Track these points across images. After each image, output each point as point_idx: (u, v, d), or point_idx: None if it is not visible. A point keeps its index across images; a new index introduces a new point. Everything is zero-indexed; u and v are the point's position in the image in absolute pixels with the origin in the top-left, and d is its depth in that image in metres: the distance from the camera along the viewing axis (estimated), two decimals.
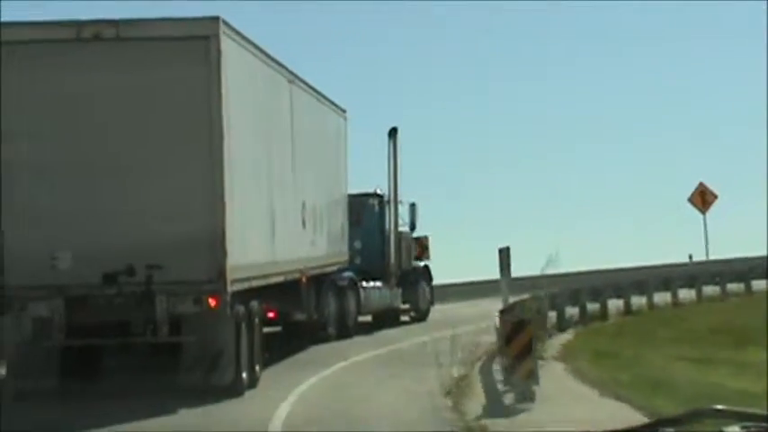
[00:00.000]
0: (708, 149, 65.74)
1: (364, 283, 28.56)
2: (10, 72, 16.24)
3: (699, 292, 33.23)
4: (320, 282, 24.92)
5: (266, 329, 20.31)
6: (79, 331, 16.27)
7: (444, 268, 36.55)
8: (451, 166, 64.21)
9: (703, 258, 37.73)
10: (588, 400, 15.14)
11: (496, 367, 18.20)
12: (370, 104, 61.77)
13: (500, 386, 16.39)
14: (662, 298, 32.03)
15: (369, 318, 29.95)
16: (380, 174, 30.43)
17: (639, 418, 11.70)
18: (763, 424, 3.63)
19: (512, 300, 22.60)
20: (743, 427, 3.66)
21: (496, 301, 27.05)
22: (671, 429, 3.81)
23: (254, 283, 18.06)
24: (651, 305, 31.18)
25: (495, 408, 14.77)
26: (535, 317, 18.97)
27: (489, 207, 60.54)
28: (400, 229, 30.88)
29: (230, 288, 16.41)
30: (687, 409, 3.94)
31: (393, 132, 30.20)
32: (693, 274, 34.93)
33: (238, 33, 17.53)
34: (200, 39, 16.37)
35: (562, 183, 65.38)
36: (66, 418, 15.19)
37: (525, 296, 25.55)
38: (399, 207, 30.76)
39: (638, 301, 31.10)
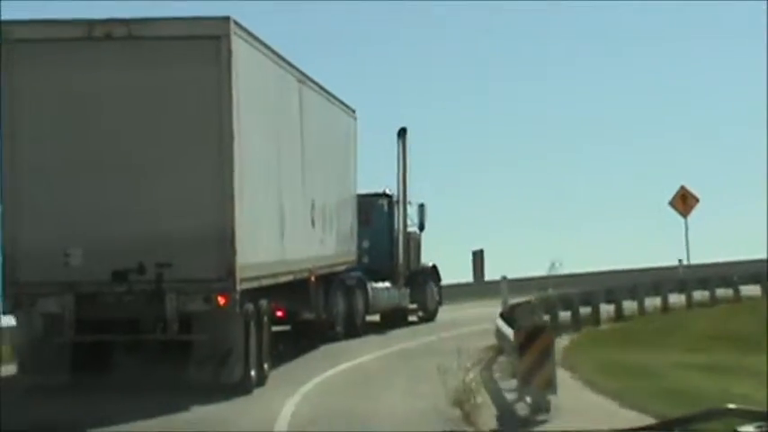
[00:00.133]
0: (704, 151, 65.79)
1: (373, 283, 28.61)
2: (21, 70, 16.33)
3: (689, 298, 32.79)
4: (329, 281, 24.98)
5: (275, 328, 20.36)
6: (89, 328, 16.35)
7: (451, 268, 36.64)
8: (458, 166, 64.27)
9: (685, 263, 37.24)
10: (608, 411, 14.40)
11: (498, 374, 17.93)
12: (380, 105, 61.84)
13: (507, 394, 15.80)
14: (651, 302, 31.58)
15: (377, 318, 30.03)
16: (389, 174, 30.51)
17: None
18: None
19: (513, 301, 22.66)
20: (757, 427, 3.68)
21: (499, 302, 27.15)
22: (685, 429, 3.83)
23: (264, 282, 18.12)
24: (642, 310, 30.75)
25: (509, 420, 14.12)
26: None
27: (487, 208, 60.65)
28: (409, 229, 30.93)
29: (240, 286, 16.47)
30: (700, 409, 3.96)
31: (402, 133, 30.25)
32: (683, 278, 34.48)
33: (249, 33, 17.58)
34: (210, 38, 16.43)
35: (563, 183, 65.44)
36: (76, 414, 15.25)
37: (523, 298, 25.59)
38: (408, 207, 30.81)
39: (629, 305, 30.61)
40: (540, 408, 13.96)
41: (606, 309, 29.64)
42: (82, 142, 16.49)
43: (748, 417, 3.77)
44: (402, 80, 66.67)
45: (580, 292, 29.18)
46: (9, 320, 18.27)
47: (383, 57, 66.61)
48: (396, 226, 30.43)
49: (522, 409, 14.48)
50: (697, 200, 36.54)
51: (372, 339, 26.43)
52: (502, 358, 19.59)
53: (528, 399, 14.32)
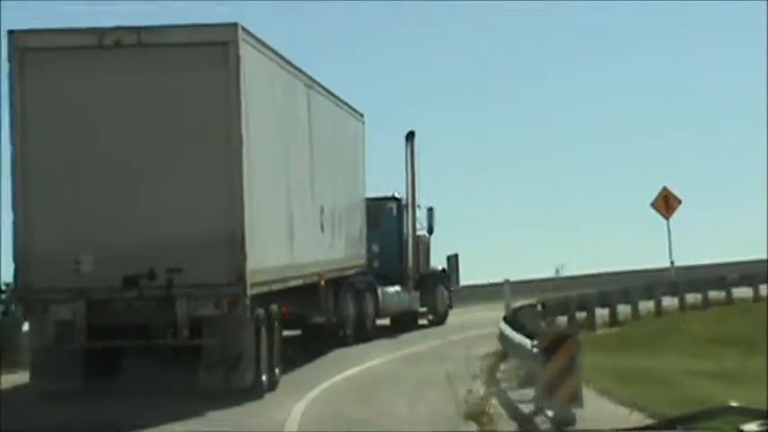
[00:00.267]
0: (703, 151, 65.80)
1: (383, 287, 28.66)
2: (32, 79, 16.45)
3: (682, 301, 32.45)
4: (339, 285, 25.04)
5: (286, 332, 20.43)
6: (101, 334, 16.44)
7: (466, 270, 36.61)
8: (453, 168, 64.29)
9: (667, 264, 36.62)
10: (636, 423, 12.61)
11: (506, 383, 17.41)
12: (388, 108, 61.90)
13: (522, 406, 14.95)
14: (644, 306, 31.17)
15: (387, 321, 30.08)
16: (398, 178, 30.56)
17: None
18: None
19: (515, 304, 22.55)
20: (761, 425, 3.72)
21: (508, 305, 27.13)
22: (688, 427, 3.86)
23: (274, 287, 18.20)
24: (636, 315, 30.40)
25: None
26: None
27: (487, 209, 60.69)
28: (418, 232, 30.96)
29: (250, 291, 16.54)
30: (703, 407, 3.99)
31: (410, 136, 30.29)
32: (674, 281, 34.07)
33: (257, 39, 17.67)
34: (219, 45, 16.53)
35: (563, 184, 65.48)
36: (88, 420, 15.34)
37: (521, 301, 25.53)
38: (417, 211, 30.85)
39: (623, 309, 30.22)
40: (565, 421, 12.83)
41: (600, 313, 29.32)
42: (92, 149, 16.59)
43: (749, 415, 3.81)
44: (410, 83, 66.80)
45: (576, 295, 28.98)
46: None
47: (391, 60, 66.75)
48: (405, 229, 30.47)
49: (542, 423, 13.55)
50: (679, 201, 35.55)
51: (383, 343, 26.48)
52: (504, 366, 19.36)
53: (549, 412, 13.24)
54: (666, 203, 35.38)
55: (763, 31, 61.87)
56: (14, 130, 16.50)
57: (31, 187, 16.44)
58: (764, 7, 51.80)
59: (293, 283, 19.75)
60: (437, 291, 31.78)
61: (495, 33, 66.86)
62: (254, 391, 16.85)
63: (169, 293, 16.29)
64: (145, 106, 16.63)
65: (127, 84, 16.60)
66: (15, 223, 16.43)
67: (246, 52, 16.87)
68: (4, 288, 23.64)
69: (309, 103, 21.62)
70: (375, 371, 21.01)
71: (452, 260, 32.13)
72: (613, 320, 29.29)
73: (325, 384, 18.54)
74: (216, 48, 16.56)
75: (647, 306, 31.26)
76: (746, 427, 3.73)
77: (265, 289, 17.61)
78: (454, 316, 32.57)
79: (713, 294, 33.69)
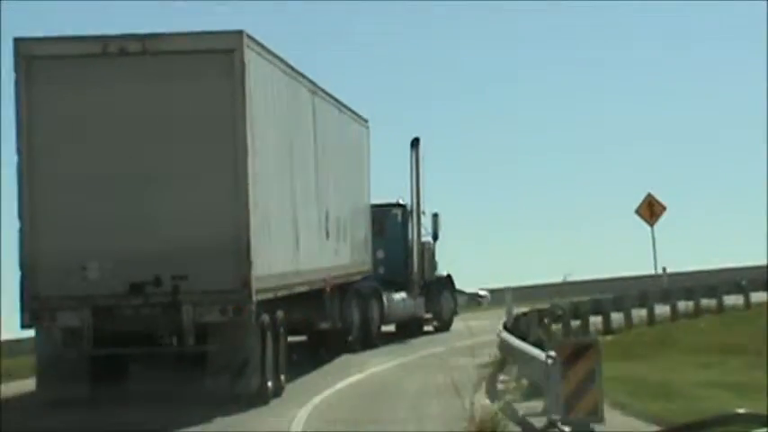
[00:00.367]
0: (700, 157, 65.89)
1: (388, 293, 28.69)
2: (39, 87, 16.53)
3: (674, 309, 31.97)
4: (344, 291, 25.09)
5: (291, 338, 20.48)
6: (107, 340, 16.51)
7: (466, 276, 36.67)
8: (472, 174, 64.41)
9: (653, 272, 36.19)
10: None
11: (510, 396, 16.38)
12: (393, 114, 61.99)
13: (533, 419, 14.24)
14: (636, 313, 30.69)
15: (392, 327, 30.10)
16: (403, 184, 30.59)
17: None
18: None
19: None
20: None
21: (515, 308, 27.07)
22: None
23: (279, 293, 18.25)
24: (630, 323, 29.93)
25: None
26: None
27: (490, 215, 60.77)
28: (423, 239, 31.00)
29: (255, 298, 16.60)
30: (712, 414, 3.99)
31: (415, 143, 30.33)
32: (667, 288, 33.65)
33: (262, 46, 17.75)
34: (224, 52, 16.61)
35: (558, 189, 65.57)
36: (95, 426, 15.42)
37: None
38: (422, 217, 30.88)
39: (616, 317, 29.73)
40: None
41: (593, 321, 28.93)
42: (98, 157, 16.66)
43: (758, 422, 3.82)
44: (415, 89, 66.87)
45: (569, 303, 28.66)
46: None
47: (396, 65, 66.80)
48: (410, 236, 30.50)
49: None
50: (664, 208, 34.96)
51: (388, 349, 26.51)
52: (503, 377, 18.87)
53: (566, 428, 12.43)
54: (651, 210, 34.81)
55: (756, 34, 61.97)
56: (20, 138, 16.58)
57: (38, 195, 16.51)
58: (764, 8, 51.85)
59: (298, 290, 19.80)
60: (442, 297, 31.80)
61: (499, 38, 67.03)
62: (260, 397, 16.90)
63: (175, 300, 16.35)
64: (150, 113, 16.70)
65: (132, 91, 16.67)
66: (22, 231, 16.50)
67: (251, 59, 16.94)
68: None
69: (314, 109, 21.69)
70: (379, 378, 21.05)
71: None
72: (607, 329, 28.82)
73: (329, 391, 18.58)
74: (221, 55, 16.64)
75: (639, 314, 30.88)
76: None
77: (270, 295, 17.67)
78: (459, 322, 32.58)
79: (704, 302, 33.46)
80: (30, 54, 16.56)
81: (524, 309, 26.61)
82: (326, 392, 18.34)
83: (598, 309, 29.76)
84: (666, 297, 32.55)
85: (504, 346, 19.37)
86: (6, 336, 24.30)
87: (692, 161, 66.24)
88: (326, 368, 22.39)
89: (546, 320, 25.94)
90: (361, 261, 26.76)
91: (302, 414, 15.77)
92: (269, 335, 17.66)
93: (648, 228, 35.24)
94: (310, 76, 21.45)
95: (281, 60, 19.15)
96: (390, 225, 30.33)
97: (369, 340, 26.79)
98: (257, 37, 17.59)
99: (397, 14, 63.33)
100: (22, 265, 16.48)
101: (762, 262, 38.66)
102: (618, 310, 30.17)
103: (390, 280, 29.26)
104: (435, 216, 31.67)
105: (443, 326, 31.77)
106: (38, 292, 16.39)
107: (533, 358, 14.85)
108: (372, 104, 67.71)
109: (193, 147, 16.69)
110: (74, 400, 16.48)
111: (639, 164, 66.12)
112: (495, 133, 66.57)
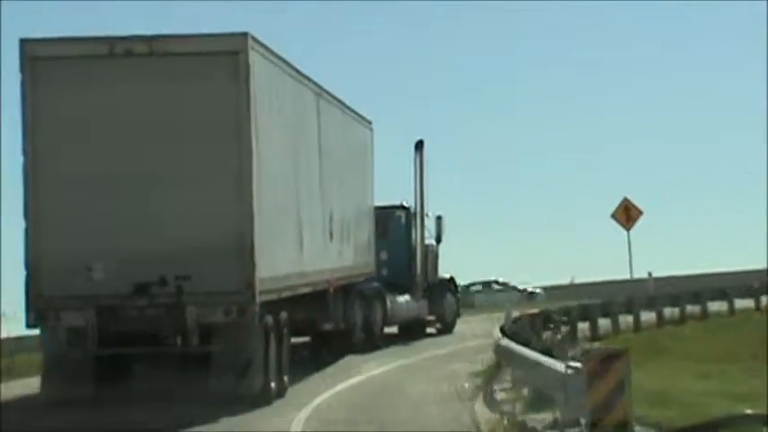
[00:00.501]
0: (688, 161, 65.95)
1: (391, 295, 28.76)
2: (44, 88, 16.59)
3: (659, 315, 31.88)
4: (347, 292, 25.17)
5: (294, 339, 20.54)
6: (112, 341, 16.57)
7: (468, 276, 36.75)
8: (475, 176, 64.53)
9: (625, 277, 35.87)
10: None
11: (513, 407, 15.45)
12: (397, 116, 62.12)
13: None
14: (622, 319, 30.61)
15: (395, 329, 30.18)
16: (407, 186, 30.67)
17: None
18: None
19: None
20: None
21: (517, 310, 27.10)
22: None
23: (283, 294, 18.32)
24: (617, 329, 29.81)
25: None
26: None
27: (492, 217, 60.80)
28: (426, 241, 31.06)
29: (259, 299, 16.66)
30: (720, 415, 4.04)
31: (419, 145, 30.39)
32: (653, 294, 33.63)
33: (266, 48, 17.82)
34: (229, 54, 16.68)
35: (562, 189, 65.60)
36: (99, 426, 15.48)
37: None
38: (426, 219, 30.94)
39: (603, 323, 29.70)
40: None
41: (581, 327, 28.69)
42: (103, 157, 16.73)
43: (764, 422, 3.87)
44: (419, 91, 67.04)
45: (557, 309, 28.42)
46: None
47: (400, 67, 66.97)
48: (413, 238, 30.57)
49: None
50: (640, 212, 34.59)
51: (391, 351, 26.59)
52: (498, 385, 18.26)
53: None
54: (627, 214, 34.46)
55: (756, 34, 62.06)
56: (26, 139, 16.64)
57: (43, 195, 16.58)
58: (764, 8, 51.90)
59: (302, 291, 19.87)
60: (445, 299, 31.87)
61: (503, 42, 67.18)
62: (263, 398, 16.97)
63: (179, 301, 16.42)
64: (155, 114, 16.76)
65: (137, 92, 16.74)
66: (27, 231, 16.56)
67: (256, 61, 17.01)
68: None
69: (318, 111, 21.76)
70: (382, 379, 21.10)
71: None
72: (594, 335, 28.51)
73: (331, 391, 18.65)
74: (226, 57, 16.70)
75: (625, 320, 30.67)
76: None
77: (274, 296, 17.73)
78: (462, 324, 32.66)
79: (688, 308, 33.33)
80: (35, 55, 16.62)
81: (523, 312, 26.68)
82: (328, 393, 18.40)
83: (586, 314, 29.61)
84: (652, 304, 32.40)
85: (503, 352, 18.71)
86: (6, 334, 24.46)
87: (692, 161, 66.39)
88: (330, 369, 22.45)
89: (552, 326, 25.87)
90: (365, 263, 26.82)
91: (303, 415, 15.83)
92: (272, 336, 17.72)
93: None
94: (315, 78, 21.50)
95: (286, 62, 19.22)
96: (394, 227, 30.41)
97: (372, 342, 26.86)
98: (268, 42, 17.69)
99: (401, 17, 63.52)
100: (27, 265, 16.55)
101: (749, 266, 38.85)
102: (605, 315, 29.95)
103: (393, 282, 29.33)
104: (439, 218, 31.75)
105: (446, 328, 31.85)
106: (42, 291, 16.45)
107: (541, 366, 14.03)
108: (373, 105, 67.89)
109: (198, 148, 16.76)
110: (78, 399, 16.55)
111: (640, 164, 66.23)
112: (496, 134, 66.75)
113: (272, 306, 17.67)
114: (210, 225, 16.59)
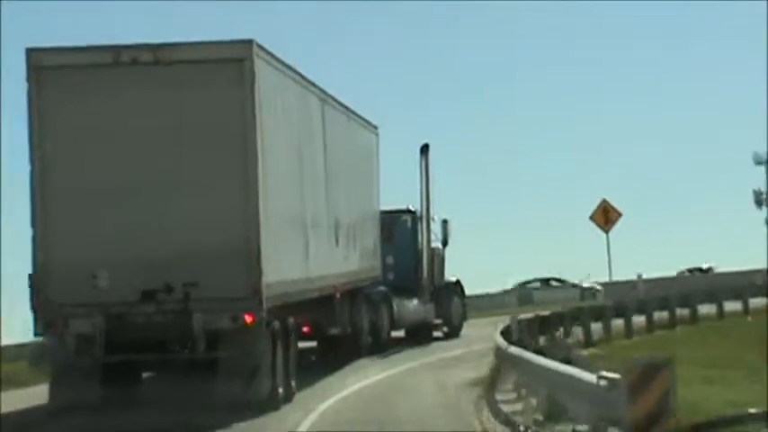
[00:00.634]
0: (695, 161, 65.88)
1: (398, 299, 28.80)
2: (50, 96, 16.66)
3: (649, 320, 31.33)
4: (354, 296, 25.21)
5: (301, 344, 20.61)
6: (119, 347, 16.62)
7: (473, 281, 36.72)
8: (480, 179, 64.57)
9: (607, 279, 35.43)
10: None
11: (510, 409, 15.59)
12: (403, 121, 62.17)
13: None
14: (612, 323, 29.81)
15: (402, 333, 30.22)
16: (413, 190, 30.71)
17: None
18: None
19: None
20: None
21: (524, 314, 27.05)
22: None
23: (289, 300, 18.37)
24: (609, 335, 29.08)
25: None
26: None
27: (494, 219, 60.81)
28: (433, 245, 31.10)
29: (266, 305, 16.72)
30: (725, 414, 4.09)
31: (425, 149, 30.45)
32: (643, 299, 33.30)
33: (271, 55, 17.88)
34: (234, 61, 16.74)
35: (561, 190, 65.59)
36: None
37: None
38: (432, 223, 30.98)
39: (595, 327, 28.91)
40: None
41: (574, 331, 28.05)
42: (110, 166, 16.79)
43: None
44: (424, 96, 67.09)
45: (550, 314, 28.10)
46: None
47: (405, 72, 67.02)
48: (420, 242, 30.61)
49: None
50: (620, 214, 34.41)
51: (398, 355, 26.63)
52: (500, 396, 17.76)
53: None
54: (606, 216, 34.26)
55: (756, 34, 62.02)
56: (32, 148, 16.72)
57: (50, 203, 16.64)
58: (764, 8, 51.86)
59: (308, 296, 19.93)
60: (452, 303, 31.89)
61: (503, 42, 67.25)
62: (271, 403, 17.03)
63: (186, 307, 16.47)
64: (161, 122, 16.83)
65: (143, 101, 16.81)
66: (34, 239, 16.63)
67: (261, 68, 17.07)
68: None
69: (324, 116, 21.83)
70: (388, 384, 21.14)
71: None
72: (588, 341, 27.56)
73: (339, 396, 18.70)
74: (231, 64, 16.77)
75: (615, 323, 29.96)
76: None
77: (281, 302, 17.79)
78: (469, 327, 32.66)
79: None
80: (41, 64, 16.69)
81: (527, 315, 26.64)
82: (335, 398, 18.45)
83: (578, 318, 29.06)
84: (643, 308, 31.89)
85: (512, 360, 17.80)
86: (7, 341, 24.56)
87: (692, 162, 66.39)
88: (337, 374, 22.51)
89: (561, 330, 25.78)
90: (371, 267, 26.87)
91: (311, 419, 15.89)
92: (279, 341, 17.78)
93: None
94: (320, 84, 21.56)
95: (291, 69, 19.29)
96: (400, 231, 30.46)
97: (379, 346, 26.90)
98: (273, 49, 17.77)
99: (406, 22, 63.57)
100: (34, 273, 16.62)
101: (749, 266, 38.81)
102: (597, 320, 29.52)
103: (400, 286, 29.37)
104: (445, 222, 31.81)
105: (453, 331, 31.87)
106: (50, 299, 16.52)
107: (563, 376, 13.02)
108: (373, 106, 67.97)
109: (204, 155, 16.82)
110: (86, 406, 16.61)
111: (639, 164, 66.19)
112: (496, 134, 66.76)
113: (278, 311, 17.73)
114: (217, 231, 16.65)
